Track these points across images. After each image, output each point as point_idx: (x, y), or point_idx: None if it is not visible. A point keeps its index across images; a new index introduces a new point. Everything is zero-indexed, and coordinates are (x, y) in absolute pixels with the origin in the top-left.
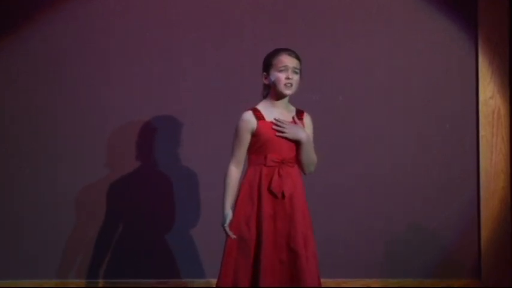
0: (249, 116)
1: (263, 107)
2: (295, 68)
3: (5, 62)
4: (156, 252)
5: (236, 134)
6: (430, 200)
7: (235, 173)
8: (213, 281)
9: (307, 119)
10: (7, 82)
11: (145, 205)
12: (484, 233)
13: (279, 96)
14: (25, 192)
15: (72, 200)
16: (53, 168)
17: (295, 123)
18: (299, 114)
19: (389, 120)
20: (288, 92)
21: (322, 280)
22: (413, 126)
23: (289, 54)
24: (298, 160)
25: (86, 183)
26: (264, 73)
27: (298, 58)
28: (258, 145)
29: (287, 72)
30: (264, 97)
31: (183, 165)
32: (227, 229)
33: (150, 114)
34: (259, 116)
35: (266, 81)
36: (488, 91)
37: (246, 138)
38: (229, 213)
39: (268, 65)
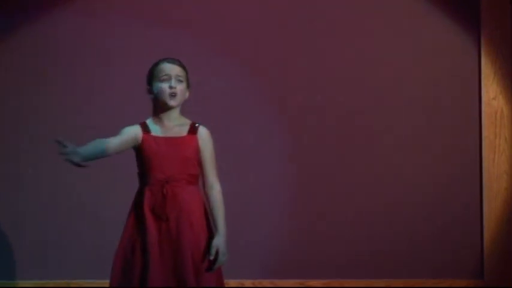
0: (134, 127)
1: (151, 122)
2: (179, 76)
3: (7, 62)
4: None
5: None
6: (432, 200)
7: (105, 140)
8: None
9: (202, 132)
10: (7, 82)
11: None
12: (487, 233)
13: (164, 108)
14: (26, 192)
15: (74, 200)
16: (54, 169)
17: (187, 138)
18: (192, 128)
19: (391, 120)
20: (172, 103)
21: (325, 281)
22: (415, 127)
23: (170, 62)
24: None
25: (90, 184)
26: (147, 86)
27: (181, 66)
28: (142, 161)
29: (170, 82)
30: (154, 113)
31: None
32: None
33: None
34: (145, 129)
35: (151, 95)
36: (491, 92)
37: (127, 133)
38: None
39: (150, 76)
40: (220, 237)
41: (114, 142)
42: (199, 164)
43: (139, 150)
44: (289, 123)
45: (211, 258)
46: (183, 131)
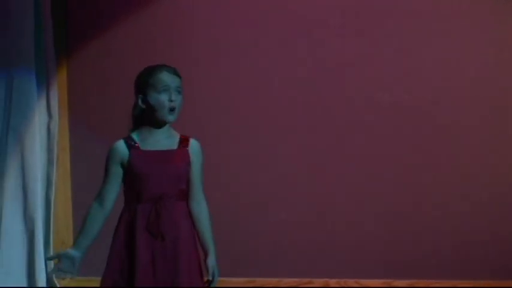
0: (118, 145)
1: (138, 134)
2: (178, 88)
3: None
4: None
5: (104, 165)
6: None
7: (96, 211)
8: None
9: (193, 146)
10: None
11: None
12: None
13: (159, 122)
14: None
15: None
16: None
17: (179, 152)
18: (183, 141)
19: (465, 120)
20: (171, 118)
21: (411, 281)
22: (501, 126)
23: (170, 72)
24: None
25: None
26: (140, 95)
27: (179, 76)
28: (131, 178)
29: (169, 94)
30: (134, 124)
31: (266, 165)
32: (58, 264)
33: (234, 114)
34: (131, 145)
35: (143, 105)
36: None
37: (113, 172)
38: (69, 251)
39: (143, 85)
40: (213, 257)
41: (111, 197)
42: (188, 178)
43: (127, 167)
44: (374, 122)
45: (210, 279)
46: (173, 144)
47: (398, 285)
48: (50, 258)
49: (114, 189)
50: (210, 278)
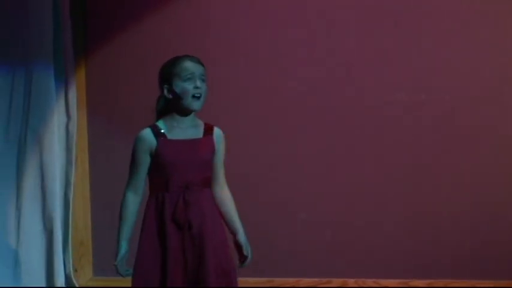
0: (145, 134)
1: (164, 123)
2: (202, 76)
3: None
4: None
5: (132, 155)
6: None
7: (132, 200)
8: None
9: (217, 135)
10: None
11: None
12: None
13: (185, 111)
14: None
15: None
16: None
17: (204, 141)
18: (208, 129)
19: (493, 120)
20: (196, 106)
21: (429, 281)
22: None
23: (193, 61)
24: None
25: None
26: (166, 85)
27: (203, 64)
28: (158, 167)
29: (194, 81)
30: (159, 114)
31: (284, 165)
32: (118, 266)
33: (251, 114)
34: (158, 134)
35: (170, 95)
36: None
37: (142, 160)
38: (123, 247)
39: (168, 75)
40: (243, 235)
41: (142, 185)
42: (212, 165)
43: (155, 156)
44: (394, 122)
45: (246, 254)
46: (199, 133)
47: (417, 285)
48: (124, 269)
49: (144, 178)
50: (246, 254)
